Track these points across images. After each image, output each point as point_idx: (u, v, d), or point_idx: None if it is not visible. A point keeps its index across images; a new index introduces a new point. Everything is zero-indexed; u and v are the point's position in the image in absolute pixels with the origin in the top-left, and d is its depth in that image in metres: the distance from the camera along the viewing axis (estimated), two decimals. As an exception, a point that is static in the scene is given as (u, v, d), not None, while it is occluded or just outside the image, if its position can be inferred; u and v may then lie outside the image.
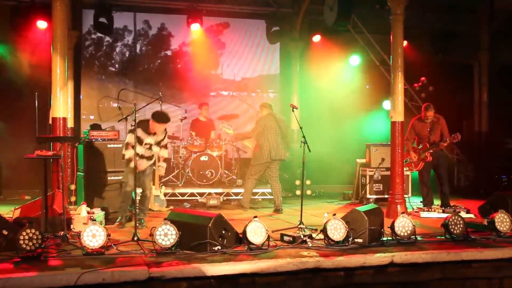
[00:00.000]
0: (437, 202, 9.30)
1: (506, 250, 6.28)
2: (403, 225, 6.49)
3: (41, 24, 10.46)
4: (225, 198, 10.08)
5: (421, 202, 9.51)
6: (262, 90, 13.31)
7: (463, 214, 7.86)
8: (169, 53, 12.66)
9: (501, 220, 6.88)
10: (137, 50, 12.53)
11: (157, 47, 12.59)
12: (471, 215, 8.53)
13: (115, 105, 11.37)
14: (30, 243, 5.38)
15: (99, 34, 11.90)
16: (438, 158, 9.15)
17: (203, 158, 10.45)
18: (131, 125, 7.40)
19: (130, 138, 7.30)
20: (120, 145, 8.61)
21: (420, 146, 9.28)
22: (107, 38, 12.12)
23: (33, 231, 5.41)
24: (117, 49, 12.38)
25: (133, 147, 7.06)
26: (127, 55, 12.48)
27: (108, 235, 5.70)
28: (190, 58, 12.63)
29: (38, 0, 10.55)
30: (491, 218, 6.94)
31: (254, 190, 10.01)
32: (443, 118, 9.20)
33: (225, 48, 12.97)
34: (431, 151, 9.09)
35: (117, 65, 12.45)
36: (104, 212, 7.51)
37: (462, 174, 12.85)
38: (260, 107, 9.43)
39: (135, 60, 12.52)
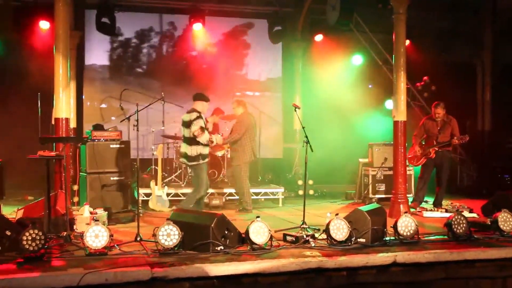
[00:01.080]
0: (430, 200, 9.44)
1: (509, 249, 6.28)
2: (406, 224, 6.49)
3: (44, 25, 10.47)
4: (227, 198, 10.06)
5: (424, 202, 9.51)
6: (262, 90, 13.28)
7: (466, 214, 7.83)
8: (194, 53, 12.62)
9: (504, 219, 6.88)
10: (163, 52, 12.63)
11: (181, 48, 12.60)
12: (474, 215, 8.52)
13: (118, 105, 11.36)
14: (33, 244, 5.39)
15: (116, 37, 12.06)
16: (441, 158, 9.14)
17: (205, 158, 10.42)
18: (198, 117, 7.66)
19: (202, 122, 7.57)
20: (123, 145, 8.63)
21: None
22: (134, 40, 12.28)
23: (36, 231, 5.42)
24: (144, 50, 12.49)
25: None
26: (153, 56, 12.59)
27: (111, 235, 5.71)
28: (213, 58, 12.52)
29: (40, 1, 10.56)
30: (494, 218, 6.94)
31: (256, 191, 10.00)
32: (455, 119, 9.20)
33: (250, 48, 12.97)
34: (436, 148, 9.07)
35: (145, 66, 12.56)
36: (106, 212, 7.50)
37: (465, 174, 12.80)
38: (236, 104, 9.17)
39: (160, 61, 12.57)
